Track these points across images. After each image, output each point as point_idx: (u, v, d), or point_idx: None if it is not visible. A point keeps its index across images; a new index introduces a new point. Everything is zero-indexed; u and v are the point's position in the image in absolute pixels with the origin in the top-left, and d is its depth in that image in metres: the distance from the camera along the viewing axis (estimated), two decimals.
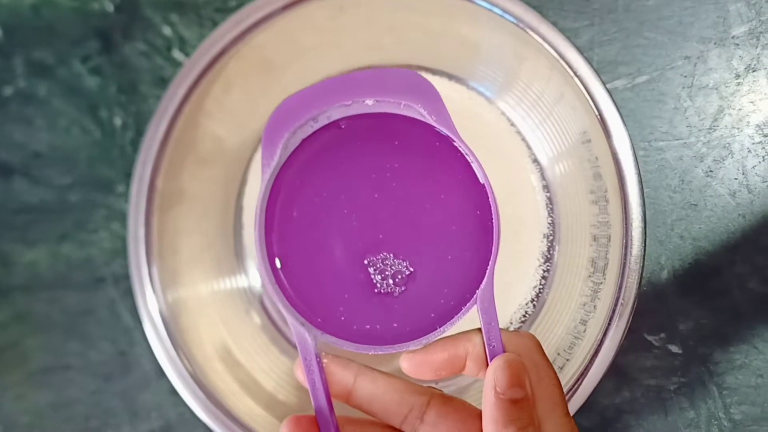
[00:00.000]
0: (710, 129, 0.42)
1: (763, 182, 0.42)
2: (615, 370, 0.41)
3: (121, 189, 0.47)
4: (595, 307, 0.39)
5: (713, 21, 0.42)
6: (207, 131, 0.43)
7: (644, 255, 0.37)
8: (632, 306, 0.37)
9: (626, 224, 0.37)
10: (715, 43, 0.42)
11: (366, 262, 0.31)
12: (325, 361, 0.30)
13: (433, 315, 0.30)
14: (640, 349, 0.42)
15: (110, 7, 0.48)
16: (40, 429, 0.48)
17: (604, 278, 0.39)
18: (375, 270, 0.31)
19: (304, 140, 0.31)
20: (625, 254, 0.37)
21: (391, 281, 0.31)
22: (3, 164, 0.49)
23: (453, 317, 0.29)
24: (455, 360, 0.29)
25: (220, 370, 0.42)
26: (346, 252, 0.31)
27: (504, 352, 0.29)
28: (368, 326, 0.31)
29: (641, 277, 0.37)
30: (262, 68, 0.43)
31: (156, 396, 0.46)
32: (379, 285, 0.31)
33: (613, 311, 0.37)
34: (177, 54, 0.47)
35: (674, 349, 0.42)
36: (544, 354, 0.29)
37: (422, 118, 0.30)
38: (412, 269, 0.31)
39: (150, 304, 0.40)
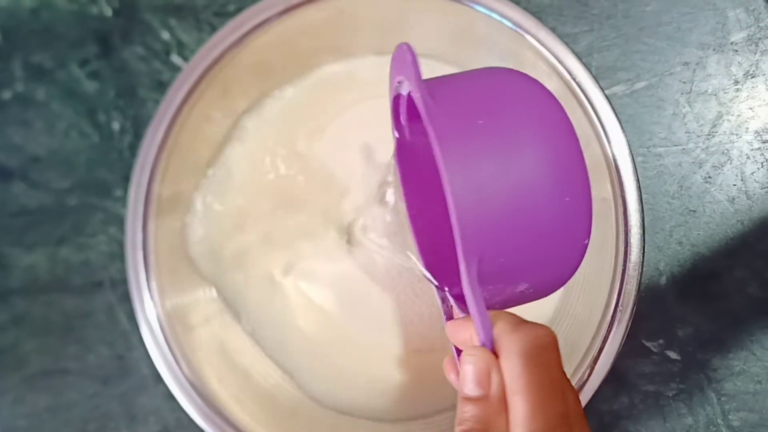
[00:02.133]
0: (709, 135, 0.42)
1: (762, 188, 0.42)
2: (613, 375, 0.41)
3: (119, 193, 0.47)
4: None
5: (712, 27, 0.42)
6: (206, 136, 0.43)
7: (643, 261, 0.37)
8: (631, 312, 0.37)
9: (625, 230, 0.37)
10: (714, 49, 0.42)
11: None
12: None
13: None
14: (638, 355, 0.42)
15: (109, 11, 0.48)
16: None
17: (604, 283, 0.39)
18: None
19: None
20: (624, 260, 0.37)
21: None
22: (2, 168, 0.48)
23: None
24: (473, 341, 0.28)
25: (218, 374, 0.42)
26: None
27: (488, 341, 0.26)
28: None
29: (640, 283, 0.37)
30: (260, 72, 0.43)
31: (154, 400, 0.46)
32: None
33: (612, 317, 0.37)
34: (175, 58, 0.47)
35: (673, 355, 0.42)
36: (536, 362, 0.25)
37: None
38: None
39: (147, 309, 0.40)
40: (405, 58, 0.28)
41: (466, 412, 0.26)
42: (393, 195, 0.37)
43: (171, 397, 0.40)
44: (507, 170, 0.25)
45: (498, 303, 0.29)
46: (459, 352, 0.30)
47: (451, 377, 0.32)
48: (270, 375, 0.44)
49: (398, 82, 0.31)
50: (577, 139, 0.26)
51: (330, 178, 0.44)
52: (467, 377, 0.26)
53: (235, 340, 0.44)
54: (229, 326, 0.44)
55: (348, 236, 0.44)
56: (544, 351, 0.26)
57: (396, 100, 0.33)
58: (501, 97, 0.27)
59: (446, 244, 0.32)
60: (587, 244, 0.27)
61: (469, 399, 0.26)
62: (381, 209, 0.40)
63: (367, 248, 0.43)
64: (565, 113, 0.27)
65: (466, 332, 0.29)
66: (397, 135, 0.35)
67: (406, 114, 0.34)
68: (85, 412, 0.47)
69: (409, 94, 0.30)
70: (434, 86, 0.27)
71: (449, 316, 0.33)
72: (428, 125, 0.25)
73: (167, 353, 0.40)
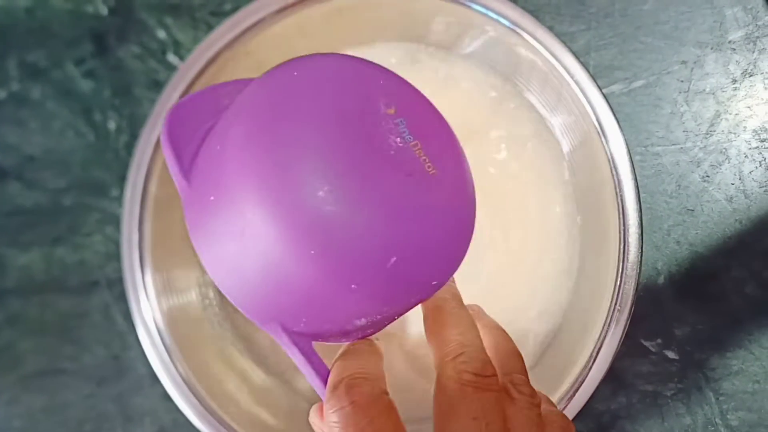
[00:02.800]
0: (707, 134, 0.42)
1: (760, 187, 0.41)
2: (611, 375, 0.41)
3: (114, 193, 0.47)
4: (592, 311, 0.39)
5: (710, 26, 0.42)
6: None
7: (641, 261, 0.37)
8: (629, 312, 0.37)
9: (623, 230, 0.37)
10: (711, 48, 0.42)
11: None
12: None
13: None
14: (636, 355, 0.42)
15: (104, 10, 0.47)
16: None
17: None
18: None
19: None
20: (622, 260, 0.37)
21: None
22: None
23: None
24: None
25: (214, 375, 0.41)
26: None
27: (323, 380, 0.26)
28: None
29: (638, 283, 0.37)
30: (256, 72, 0.43)
31: (150, 400, 0.46)
32: None
33: (610, 317, 0.37)
34: (171, 57, 0.47)
35: (671, 354, 0.42)
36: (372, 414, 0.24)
37: None
38: None
39: (143, 309, 0.40)
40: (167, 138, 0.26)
41: None
42: None
43: (167, 397, 0.40)
44: (249, 241, 0.23)
45: (341, 337, 0.27)
46: None
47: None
48: (266, 376, 0.44)
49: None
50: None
51: None
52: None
53: (230, 341, 0.44)
54: (225, 327, 0.44)
55: None
56: (352, 423, 0.24)
57: None
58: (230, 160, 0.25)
59: None
60: (395, 262, 0.24)
61: None
62: None
63: None
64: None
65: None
66: None
67: None
68: (80, 413, 0.47)
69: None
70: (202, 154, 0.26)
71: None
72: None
73: (163, 353, 0.40)
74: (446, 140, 0.28)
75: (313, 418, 0.27)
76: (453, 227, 0.26)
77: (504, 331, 0.31)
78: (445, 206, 0.26)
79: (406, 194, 0.24)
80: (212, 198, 0.24)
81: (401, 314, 0.28)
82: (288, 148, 0.23)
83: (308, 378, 0.26)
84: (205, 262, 0.25)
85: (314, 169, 0.23)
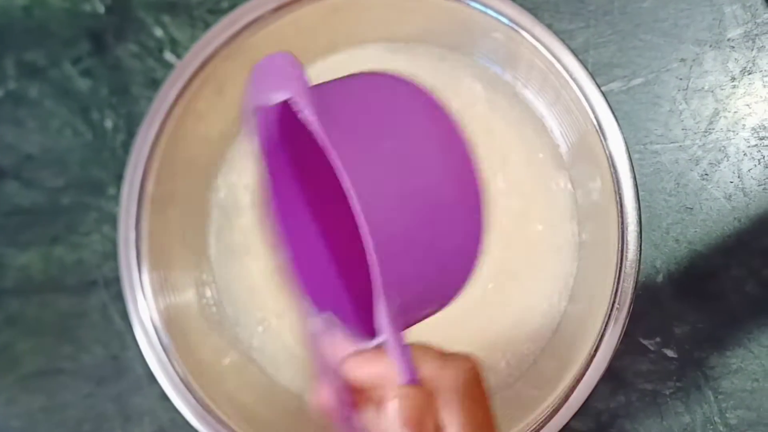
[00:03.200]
0: (706, 132, 0.42)
1: (759, 185, 0.41)
2: (610, 374, 0.40)
3: (112, 191, 0.47)
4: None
5: (709, 23, 0.42)
6: (198, 134, 0.43)
7: (640, 259, 0.37)
8: (628, 310, 0.37)
9: (621, 228, 0.37)
10: (710, 46, 0.42)
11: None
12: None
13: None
14: (635, 353, 0.42)
15: (102, 9, 0.47)
16: None
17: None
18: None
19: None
20: (621, 258, 0.37)
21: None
22: None
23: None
24: (382, 376, 0.26)
25: (211, 374, 0.41)
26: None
27: (412, 378, 0.25)
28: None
29: (637, 282, 0.36)
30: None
31: (148, 400, 0.46)
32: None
33: (609, 315, 0.37)
34: (169, 56, 0.46)
35: (670, 353, 0.42)
36: (470, 396, 0.25)
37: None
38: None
39: (141, 309, 0.40)
40: (285, 71, 0.25)
41: None
42: None
43: (166, 397, 0.40)
44: (415, 206, 0.24)
45: (403, 326, 0.26)
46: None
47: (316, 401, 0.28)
48: (263, 375, 0.44)
49: (263, 93, 0.27)
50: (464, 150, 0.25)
51: None
52: (400, 418, 0.24)
53: (228, 340, 0.44)
54: (223, 326, 0.44)
55: None
56: (475, 385, 0.25)
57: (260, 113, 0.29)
58: (394, 114, 0.25)
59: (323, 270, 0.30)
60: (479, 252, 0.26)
61: None
62: None
63: None
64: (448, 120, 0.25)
65: (374, 366, 0.26)
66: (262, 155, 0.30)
67: (273, 129, 0.29)
68: (79, 413, 0.47)
69: (283, 106, 0.27)
70: (323, 102, 0.24)
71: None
72: (332, 154, 0.23)
73: (161, 353, 0.40)
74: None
75: (405, 407, 0.25)
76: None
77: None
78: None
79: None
80: (383, 145, 0.24)
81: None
82: None
83: (398, 355, 0.25)
84: (367, 214, 0.22)
85: None
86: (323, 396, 0.27)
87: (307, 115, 0.23)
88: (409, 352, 0.25)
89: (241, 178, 0.45)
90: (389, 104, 0.26)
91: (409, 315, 0.26)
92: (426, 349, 0.26)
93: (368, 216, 0.22)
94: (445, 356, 0.26)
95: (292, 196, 0.31)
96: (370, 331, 0.26)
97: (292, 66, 0.24)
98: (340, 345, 0.28)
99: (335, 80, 0.27)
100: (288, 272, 0.30)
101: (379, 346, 0.26)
